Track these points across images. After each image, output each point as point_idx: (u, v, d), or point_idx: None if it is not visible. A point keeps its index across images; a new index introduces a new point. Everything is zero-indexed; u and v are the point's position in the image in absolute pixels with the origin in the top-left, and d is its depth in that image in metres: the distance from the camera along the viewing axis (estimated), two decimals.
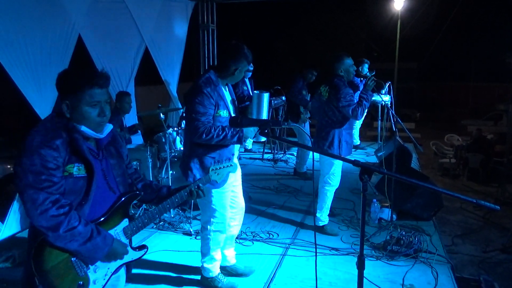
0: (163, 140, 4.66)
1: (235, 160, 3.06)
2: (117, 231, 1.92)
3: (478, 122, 13.69)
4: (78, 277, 1.78)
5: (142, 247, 2.07)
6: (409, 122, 13.13)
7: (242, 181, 3.26)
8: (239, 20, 15.83)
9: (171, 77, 7.06)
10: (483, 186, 8.34)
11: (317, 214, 4.23)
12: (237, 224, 3.25)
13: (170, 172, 4.60)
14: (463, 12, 15.55)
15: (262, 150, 7.74)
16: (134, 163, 4.54)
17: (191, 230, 4.23)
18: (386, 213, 4.45)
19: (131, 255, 2.01)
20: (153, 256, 3.70)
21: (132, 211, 1.98)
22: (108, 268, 1.91)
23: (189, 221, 4.42)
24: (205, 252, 3.12)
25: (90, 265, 1.82)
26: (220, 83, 2.87)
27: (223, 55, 2.88)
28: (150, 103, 10.09)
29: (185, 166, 2.93)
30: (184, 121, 5.29)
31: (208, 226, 3.03)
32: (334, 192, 4.25)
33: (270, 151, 7.79)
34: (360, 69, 6.80)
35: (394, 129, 4.55)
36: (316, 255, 2.61)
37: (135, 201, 2.06)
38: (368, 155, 7.61)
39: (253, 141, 8.01)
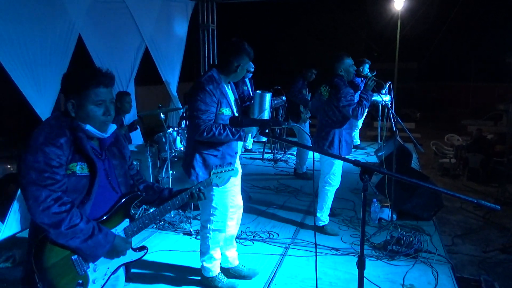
0: (164, 140, 4.65)
1: (237, 160, 3.07)
2: (117, 231, 1.92)
3: (478, 122, 13.70)
4: (77, 276, 1.78)
5: (142, 248, 2.08)
6: (409, 122, 13.15)
7: (242, 181, 3.26)
8: (239, 20, 15.83)
9: (171, 77, 7.05)
10: (483, 186, 8.35)
11: (318, 214, 4.23)
12: (235, 224, 3.25)
13: (170, 172, 4.59)
14: (463, 12, 15.55)
15: (262, 150, 7.75)
16: (135, 162, 4.54)
17: (191, 230, 4.23)
18: (386, 213, 4.45)
19: (131, 256, 2.01)
20: (153, 256, 3.70)
21: (132, 211, 1.98)
22: (108, 268, 1.91)
23: (189, 221, 4.42)
24: (204, 251, 3.12)
25: (90, 264, 1.83)
26: (223, 81, 2.86)
27: (224, 52, 2.87)
28: (150, 103, 10.11)
29: (188, 164, 2.93)
30: (184, 121, 5.29)
31: (208, 225, 3.03)
32: (335, 192, 4.25)
33: (270, 151, 7.79)
34: (361, 69, 6.80)
35: (394, 129, 4.55)
36: (316, 255, 2.61)
37: (136, 202, 2.06)
38: (368, 155, 7.61)
39: (254, 141, 8.02)
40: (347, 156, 3.90)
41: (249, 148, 8.08)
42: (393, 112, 4.35)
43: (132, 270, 2.20)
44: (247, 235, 4.16)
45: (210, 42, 7.67)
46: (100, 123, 1.81)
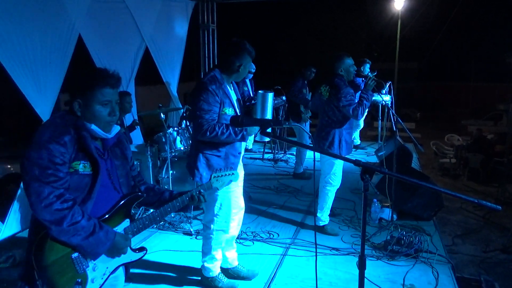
0: (164, 140, 4.65)
1: (240, 160, 3.07)
2: (118, 230, 1.93)
3: (479, 122, 13.72)
4: (77, 275, 1.78)
5: (141, 249, 2.09)
6: (410, 122, 13.15)
7: (243, 181, 3.26)
8: (239, 20, 15.83)
9: (171, 77, 7.05)
10: (483, 186, 8.35)
11: (318, 214, 4.22)
12: (236, 225, 3.24)
13: (171, 172, 4.59)
14: (463, 12, 15.54)
15: (262, 150, 7.75)
16: (135, 162, 4.54)
17: (192, 230, 4.23)
18: (387, 213, 4.44)
19: (130, 256, 2.02)
20: (153, 256, 3.70)
21: (133, 211, 1.98)
22: (107, 268, 1.92)
23: (189, 221, 4.42)
24: (206, 251, 3.12)
25: (90, 263, 1.83)
26: (225, 81, 2.86)
27: (226, 52, 2.86)
28: (150, 103, 10.10)
29: (192, 165, 2.93)
30: (184, 121, 5.29)
31: (211, 225, 3.03)
32: (335, 192, 4.25)
33: (270, 151, 7.78)
34: (362, 69, 6.81)
35: (394, 129, 4.55)
36: (316, 255, 2.61)
37: (136, 203, 2.07)
38: (368, 155, 7.61)
39: (257, 141, 8.01)
40: (347, 156, 3.91)
41: (249, 148, 8.08)
42: (393, 112, 4.36)
43: (132, 270, 2.21)
44: (247, 235, 4.16)
45: (210, 42, 7.66)
46: (105, 123, 1.83)
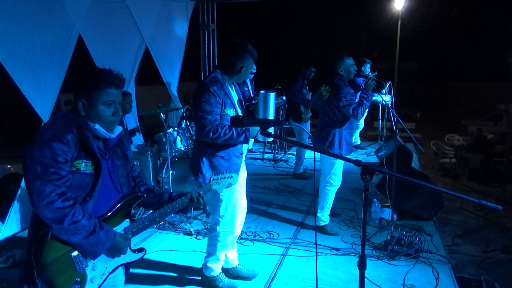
0: (164, 140, 4.65)
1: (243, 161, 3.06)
2: (118, 230, 1.93)
3: (479, 122, 13.71)
4: (76, 274, 1.79)
5: (141, 250, 2.10)
6: (410, 122, 13.16)
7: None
8: (239, 20, 15.83)
9: (171, 77, 7.05)
10: (483, 186, 8.34)
11: (318, 214, 4.22)
12: (239, 225, 3.24)
13: (171, 172, 4.59)
14: (463, 12, 15.53)
15: (262, 150, 7.75)
16: (135, 163, 4.54)
17: (192, 230, 4.23)
18: (387, 213, 4.44)
19: (130, 257, 2.03)
20: (154, 256, 3.70)
21: (133, 211, 1.98)
22: (106, 268, 1.92)
23: (189, 221, 4.42)
24: (211, 252, 3.12)
25: (89, 262, 1.83)
26: (227, 82, 2.86)
27: (227, 53, 2.84)
28: (150, 103, 10.10)
29: (195, 166, 2.93)
30: (184, 121, 5.29)
31: (217, 227, 3.03)
32: (335, 192, 4.24)
33: (270, 151, 7.79)
34: (362, 69, 6.80)
35: (394, 129, 4.55)
36: (316, 255, 2.61)
37: (136, 203, 2.08)
38: (368, 155, 7.61)
39: (259, 140, 8.01)
40: (347, 156, 3.90)
41: (249, 148, 8.06)
42: (394, 112, 4.35)
43: (132, 270, 2.21)
44: (247, 235, 4.16)
45: (211, 42, 7.66)
46: (108, 123, 1.85)
